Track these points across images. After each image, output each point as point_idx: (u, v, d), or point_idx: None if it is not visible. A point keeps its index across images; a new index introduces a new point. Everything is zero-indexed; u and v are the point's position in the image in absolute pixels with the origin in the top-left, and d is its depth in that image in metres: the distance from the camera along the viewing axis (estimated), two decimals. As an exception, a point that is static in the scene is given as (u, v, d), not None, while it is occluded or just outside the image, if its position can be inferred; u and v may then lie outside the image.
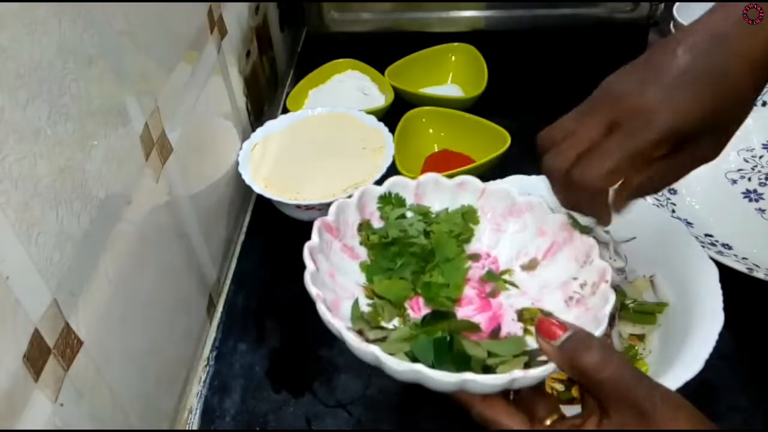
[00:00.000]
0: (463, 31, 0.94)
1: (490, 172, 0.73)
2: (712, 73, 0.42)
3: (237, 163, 0.74)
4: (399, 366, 0.41)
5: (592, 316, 0.44)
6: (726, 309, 0.51)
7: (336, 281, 0.51)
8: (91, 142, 0.45)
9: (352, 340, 0.43)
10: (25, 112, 0.38)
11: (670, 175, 0.46)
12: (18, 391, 0.37)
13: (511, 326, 0.48)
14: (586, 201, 0.45)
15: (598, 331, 0.41)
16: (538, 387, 0.42)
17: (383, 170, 0.72)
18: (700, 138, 0.43)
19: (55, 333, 0.41)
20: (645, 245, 0.59)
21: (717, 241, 0.67)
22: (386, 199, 0.53)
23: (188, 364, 0.63)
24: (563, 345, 0.39)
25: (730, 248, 0.66)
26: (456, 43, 0.93)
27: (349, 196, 0.53)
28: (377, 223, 0.53)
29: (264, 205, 0.76)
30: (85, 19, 0.45)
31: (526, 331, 0.47)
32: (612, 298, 0.44)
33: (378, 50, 0.92)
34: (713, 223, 0.69)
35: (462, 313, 0.49)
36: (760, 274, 0.61)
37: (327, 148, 0.76)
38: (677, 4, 0.92)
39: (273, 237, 0.76)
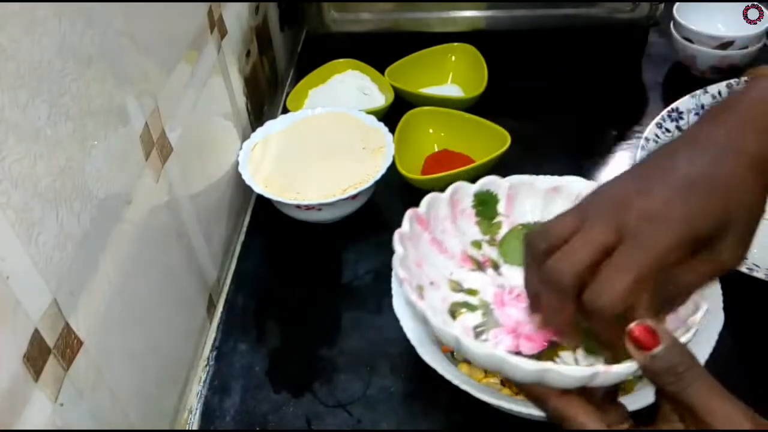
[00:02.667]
0: (463, 31, 0.94)
1: (490, 172, 0.73)
2: (718, 178, 0.40)
3: (237, 163, 0.74)
4: (479, 349, 0.41)
5: (681, 321, 0.43)
6: (726, 309, 0.51)
7: (423, 270, 0.52)
8: (91, 142, 0.45)
9: (436, 321, 0.44)
10: (25, 112, 0.38)
11: (690, 286, 0.42)
12: (18, 391, 0.37)
13: None
14: (602, 327, 0.41)
15: (685, 338, 0.40)
16: (611, 393, 0.42)
17: (383, 170, 0.72)
18: (716, 243, 0.41)
19: (55, 333, 0.41)
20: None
21: (717, 241, 0.67)
22: (480, 197, 0.55)
23: (188, 364, 0.63)
24: (657, 356, 0.37)
25: (730, 248, 0.66)
26: (456, 43, 0.93)
27: (442, 190, 0.55)
28: (470, 221, 0.55)
29: (264, 205, 0.76)
30: (85, 19, 0.45)
31: None
32: (704, 306, 0.43)
33: (378, 50, 0.92)
34: (713, 223, 0.69)
35: None
36: (760, 274, 0.61)
37: (327, 148, 0.76)
38: (677, 4, 0.92)
39: (273, 237, 0.76)
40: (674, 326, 0.43)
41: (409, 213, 0.52)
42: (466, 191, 0.56)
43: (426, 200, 0.53)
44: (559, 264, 0.39)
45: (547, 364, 0.39)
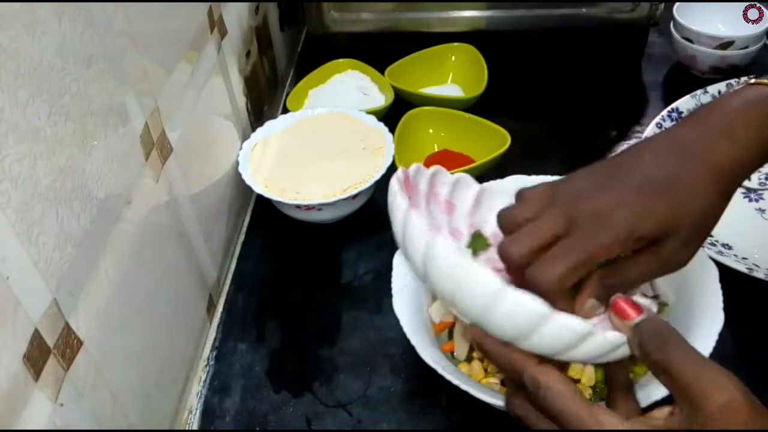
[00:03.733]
0: (463, 31, 0.94)
1: (490, 172, 0.73)
2: (675, 182, 0.43)
3: (237, 163, 0.74)
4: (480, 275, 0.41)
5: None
6: (726, 309, 0.51)
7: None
8: (91, 142, 0.45)
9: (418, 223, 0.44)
10: (25, 112, 0.38)
11: (633, 279, 0.45)
12: (18, 391, 0.37)
13: None
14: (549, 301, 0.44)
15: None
16: (625, 385, 0.44)
17: (383, 170, 0.72)
18: (661, 244, 0.43)
19: (55, 333, 0.41)
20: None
21: (717, 241, 0.67)
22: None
23: (188, 364, 0.63)
24: (641, 324, 0.40)
25: (730, 248, 0.66)
26: (456, 43, 0.93)
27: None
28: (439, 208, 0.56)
29: (264, 205, 0.76)
30: (85, 19, 0.45)
31: None
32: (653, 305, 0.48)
33: (378, 50, 0.92)
34: (713, 223, 0.69)
35: None
36: (760, 274, 0.61)
37: (327, 148, 0.76)
38: (677, 4, 0.92)
39: (273, 237, 0.76)
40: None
41: (400, 172, 0.51)
42: (443, 179, 0.55)
43: (414, 168, 0.53)
44: (509, 246, 0.44)
45: (545, 309, 0.40)
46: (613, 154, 0.48)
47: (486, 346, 0.43)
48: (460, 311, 0.44)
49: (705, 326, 0.51)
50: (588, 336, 0.40)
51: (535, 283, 0.42)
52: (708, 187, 0.43)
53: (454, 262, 0.42)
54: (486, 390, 0.50)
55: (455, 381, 0.49)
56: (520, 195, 0.47)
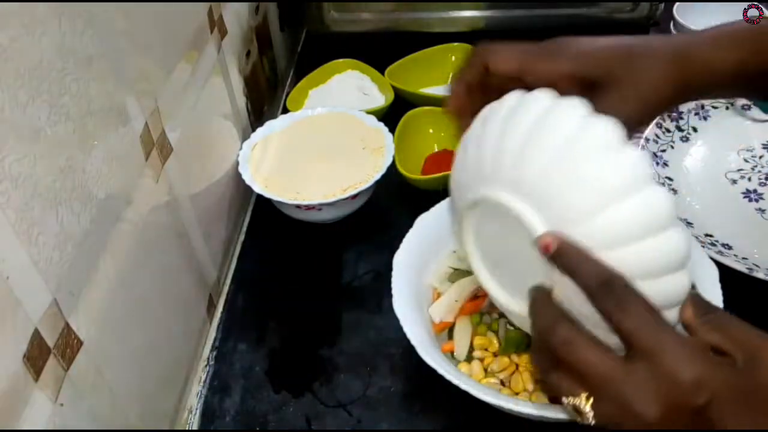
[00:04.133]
0: (463, 31, 0.94)
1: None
2: (642, 47, 0.46)
3: (237, 163, 0.74)
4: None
5: None
6: (726, 309, 0.51)
7: None
8: (91, 142, 0.45)
9: None
10: (25, 112, 0.38)
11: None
12: (18, 391, 0.37)
13: None
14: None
15: None
16: None
17: (383, 170, 0.72)
18: (601, 92, 0.45)
19: (55, 333, 0.41)
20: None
21: (717, 241, 0.67)
22: None
23: (188, 364, 0.63)
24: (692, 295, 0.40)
25: (730, 248, 0.66)
26: (456, 43, 0.93)
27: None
28: None
29: (264, 205, 0.76)
30: (85, 19, 0.45)
31: None
32: None
33: (378, 50, 0.92)
34: (713, 223, 0.69)
35: None
36: (760, 274, 0.61)
37: (327, 148, 0.76)
38: (677, 4, 0.92)
39: (273, 237, 0.76)
40: None
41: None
42: None
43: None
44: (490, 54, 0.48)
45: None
46: None
47: (571, 250, 0.39)
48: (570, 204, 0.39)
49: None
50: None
51: (491, 69, 0.47)
52: (670, 65, 0.45)
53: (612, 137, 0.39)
54: (486, 390, 0.50)
55: (455, 381, 0.49)
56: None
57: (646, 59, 0.45)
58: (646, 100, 0.45)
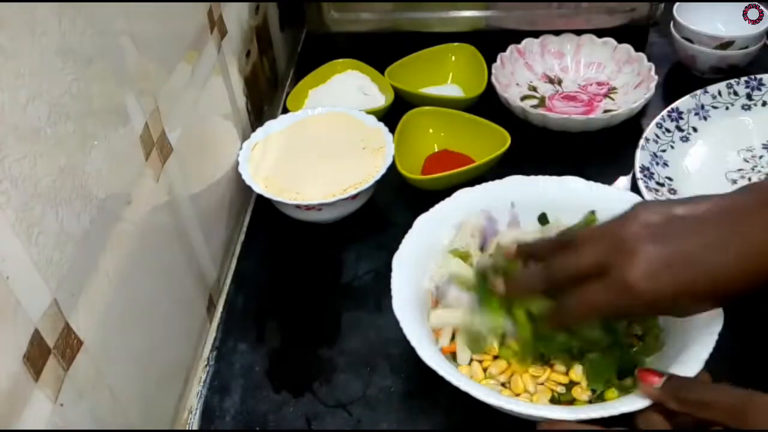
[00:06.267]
0: (463, 31, 0.94)
1: (490, 172, 0.73)
2: (707, 264, 0.45)
3: (237, 163, 0.74)
4: None
5: None
6: (726, 309, 0.51)
7: None
8: (91, 142, 0.45)
9: None
10: (25, 112, 0.38)
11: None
12: (18, 391, 0.37)
13: None
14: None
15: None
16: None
17: (383, 170, 0.72)
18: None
19: (55, 333, 0.41)
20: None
21: (717, 241, 0.67)
22: None
23: (188, 364, 0.63)
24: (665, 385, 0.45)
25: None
26: (456, 43, 0.93)
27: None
28: None
29: (264, 205, 0.76)
30: (85, 19, 0.45)
31: None
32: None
33: (378, 50, 0.92)
34: (713, 223, 0.69)
35: None
36: (760, 274, 0.61)
37: (327, 148, 0.76)
38: (677, 4, 0.92)
39: (273, 237, 0.76)
40: None
41: None
42: None
43: None
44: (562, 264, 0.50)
45: None
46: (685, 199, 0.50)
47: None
48: None
49: (705, 326, 0.51)
50: None
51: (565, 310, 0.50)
52: (737, 278, 0.45)
53: None
54: (486, 390, 0.50)
55: (455, 382, 0.49)
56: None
57: (709, 257, 0.45)
58: (723, 296, 0.47)
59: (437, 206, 0.62)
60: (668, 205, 0.48)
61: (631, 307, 0.47)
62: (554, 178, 0.63)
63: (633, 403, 0.47)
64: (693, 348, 0.50)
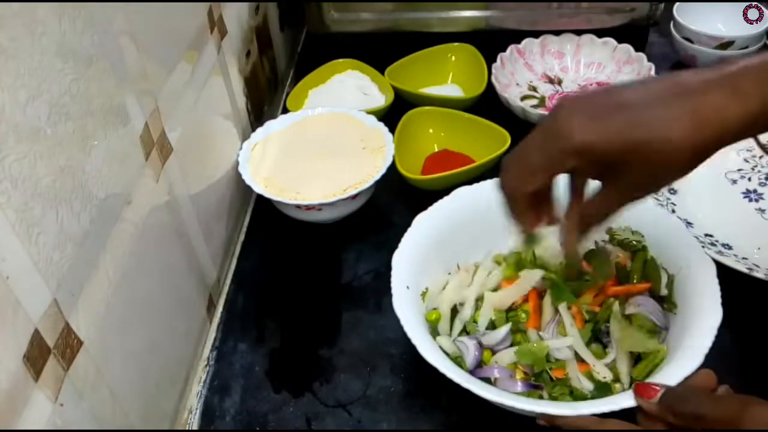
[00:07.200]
0: (463, 31, 0.94)
1: (490, 172, 0.73)
2: (651, 121, 0.43)
3: (237, 163, 0.74)
4: None
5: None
6: (727, 309, 0.51)
7: None
8: (91, 142, 0.45)
9: None
10: (25, 112, 0.38)
11: (602, 206, 0.48)
12: (18, 391, 0.37)
13: None
14: (511, 206, 0.50)
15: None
16: None
17: (383, 170, 0.72)
18: (620, 173, 0.45)
19: (55, 333, 0.41)
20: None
21: (717, 241, 0.67)
22: None
23: (188, 364, 0.63)
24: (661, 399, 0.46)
25: (730, 248, 0.66)
26: (456, 43, 0.93)
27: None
28: None
29: (264, 205, 0.76)
30: (85, 19, 0.45)
31: None
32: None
33: (378, 50, 0.92)
34: (713, 223, 0.69)
35: None
36: (760, 274, 0.61)
37: (327, 148, 0.76)
38: (677, 4, 0.92)
39: (273, 237, 0.76)
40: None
41: None
42: None
43: None
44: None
45: None
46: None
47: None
48: None
49: (704, 322, 0.51)
50: None
51: (503, 188, 0.49)
52: (684, 125, 0.42)
53: None
54: (487, 387, 0.50)
55: (456, 378, 0.49)
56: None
57: (657, 130, 0.43)
58: (663, 184, 0.47)
59: (436, 204, 0.62)
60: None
61: (560, 150, 0.45)
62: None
63: (631, 399, 0.47)
64: (692, 343, 0.50)
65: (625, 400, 0.47)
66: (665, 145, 0.43)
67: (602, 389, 0.52)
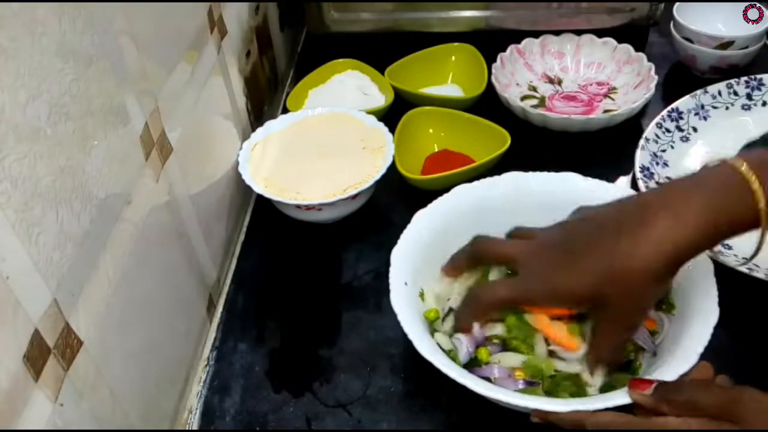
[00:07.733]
0: (463, 31, 0.94)
1: (490, 172, 0.73)
2: (620, 257, 0.47)
3: (237, 163, 0.74)
4: None
5: None
6: (726, 309, 0.51)
7: None
8: (91, 142, 0.45)
9: None
10: (25, 112, 0.38)
11: (607, 341, 0.52)
12: (18, 391, 0.37)
13: None
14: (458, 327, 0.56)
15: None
16: None
17: (383, 170, 0.72)
18: (606, 305, 0.49)
19: (55, 333, 0.41)
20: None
21: (717, 241, 0.67)
22: None
23: (188, 364, 0.63)
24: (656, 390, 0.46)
25: (730, 248, 0.66)
26: (456, 43, 0.93)
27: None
28: None
29: (264, 205, 0.76)
30: (85, 19, 0.45)
31: None
32: None
33: (378, 50, 0.92)
34: (713, 223, 0.69)
35: None
36: (760, 274, 0.61)
37: (327, 148, 0.76)
38: (677, 4, 0.92)
39: (273, 237, 0.76)
40: None
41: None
42: None
43: None
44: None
45: None
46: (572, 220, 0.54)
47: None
48: None
49: (701, 321, 0.51)
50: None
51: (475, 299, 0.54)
52: (647, 256, 0.46)
53: None
54: (484, 384, 0.50)
55: (453, 375, 0.49)
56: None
57: (629, 274, 0.47)
58: (648, 302, 0.50)
59: (435, 201, 0.63)
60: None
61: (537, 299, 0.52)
62: (552, 174, 0.64)
63: (626, 396, 0.47)
64: (689, 341, 0.50)
65: (618, 398, 0.47)
66: (628, 272, 0.47)
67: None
